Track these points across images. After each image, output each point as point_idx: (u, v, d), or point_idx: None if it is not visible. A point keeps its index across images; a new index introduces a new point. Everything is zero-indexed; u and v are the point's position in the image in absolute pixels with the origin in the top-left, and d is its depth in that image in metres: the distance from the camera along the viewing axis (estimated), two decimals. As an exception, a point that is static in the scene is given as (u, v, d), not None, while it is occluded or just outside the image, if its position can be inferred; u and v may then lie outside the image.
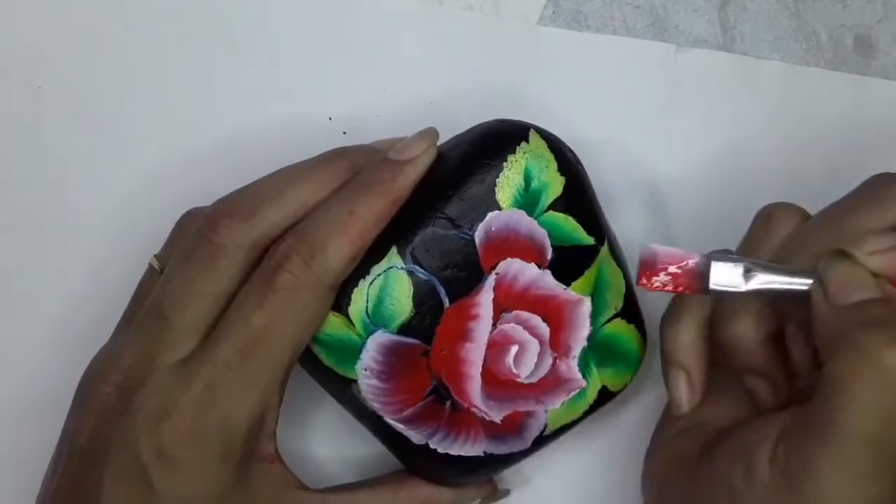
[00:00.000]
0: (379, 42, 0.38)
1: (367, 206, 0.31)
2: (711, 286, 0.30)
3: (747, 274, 0.30)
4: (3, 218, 0.37)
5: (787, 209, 0.33)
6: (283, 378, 0.31)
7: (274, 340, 0.30)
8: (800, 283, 0.30)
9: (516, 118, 0.37)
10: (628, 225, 0.39)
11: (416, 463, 0.35)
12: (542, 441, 0.34)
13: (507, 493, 0.37)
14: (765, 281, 0.30)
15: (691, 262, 0.31)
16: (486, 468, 0.35)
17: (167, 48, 0.38)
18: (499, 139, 0.33)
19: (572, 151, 0.34)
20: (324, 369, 0.32)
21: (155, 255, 0.33)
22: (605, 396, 0.35)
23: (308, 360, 0.32)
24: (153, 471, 0.29)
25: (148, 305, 0.31)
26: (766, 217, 0.33)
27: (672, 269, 0.31)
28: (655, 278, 0.31)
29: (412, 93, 0.38)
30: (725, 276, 0.30)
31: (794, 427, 0.29)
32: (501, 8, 0.38)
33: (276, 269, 0.30)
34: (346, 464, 0.38)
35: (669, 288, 0.31)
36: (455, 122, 0.38)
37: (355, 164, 0.32)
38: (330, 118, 0.38)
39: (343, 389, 0.32)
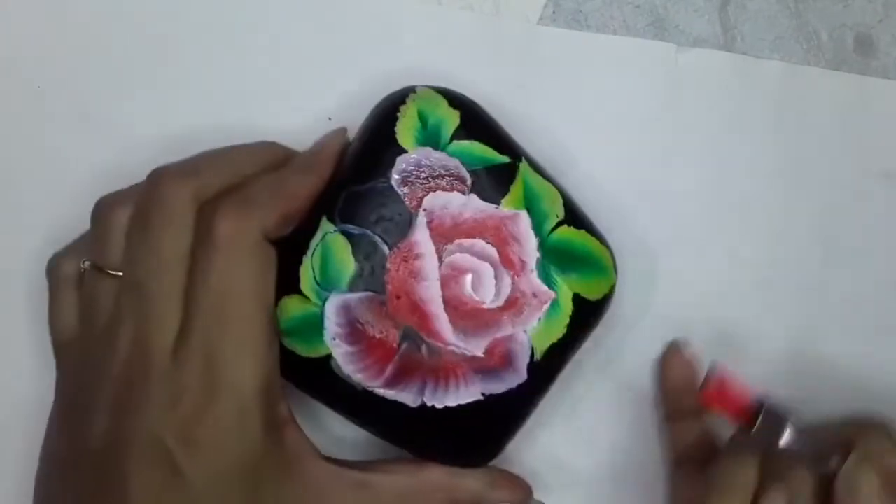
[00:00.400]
0: (379, 42, 0.38)
1: (294, 175, 0.33)
2: (754, 432, 0.34)
3: (789, 434, 0.34)
4: (2, 218, 0.37)
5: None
6: (267, 332, 0.32)
7: (238, 297, 0.31)
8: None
9: (517, 119, 0.37)
10: (628, 224, 0.39)
11: (426, 440, 0.34)
12: (537, 370, 0.34)
13: None
14: (801, 447, 0.34)
15: (747, 400, 0.35)
16: (496, 419, 0.34)
17: (167, 48, 0.38)
18: (390, 101, 0.35)
19: (460, 93, 0.35)
20: (305, 367, 0.33)
21: (73, 255, 0.33)
22: (584, 307, 0.34)
23: (290, 369, 0.33)
24: (179, 457, 0.30)
25: (122, 287, 0.31)
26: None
27: (730, 396, 0.35)
28: (714, 400, 0.35)
29: (412, 93, 0.38)
30: (770, 428, 0.34)
31: None
32: (501, 8, 0.38)
33: (212, 227, 0.31)
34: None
35: (723, 414, 0.35)
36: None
37: (289, 156, 0.34)
38: (330, 118, 0.38)
39: (327, 377, 0.33)
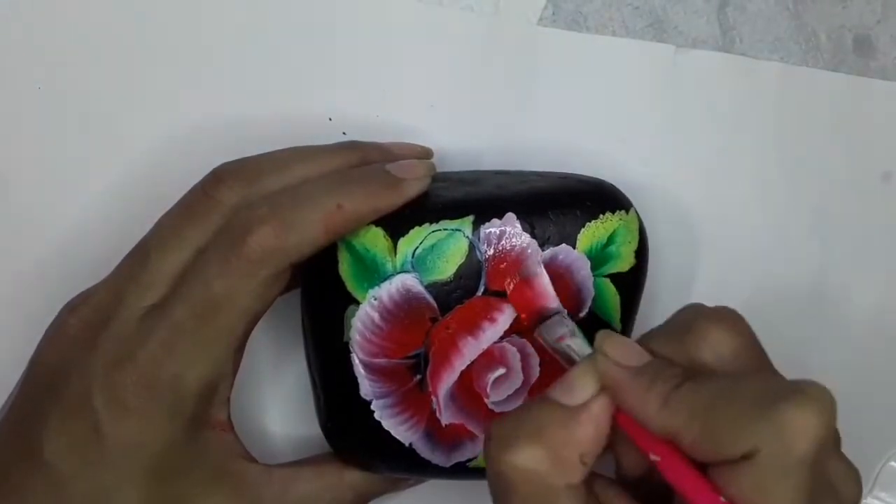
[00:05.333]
0: (379, 42, 0.38)
1: (355, 206, 0.31)
2: (535, 331, 0.32)
3: (564, 339, 0.31)
4: (2, 218, 0.37)
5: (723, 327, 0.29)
6: (237, 346, 0.32)
7: (230, 309, 0.31)
8: None
9: (516, 119, 0.37)
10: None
11: (343, 429, 0.34)
12: (461, 471, 0.34)
13: None
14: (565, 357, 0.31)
15: (547, 303, 0.32)
16: (401, 464, 0.34)
17: (167, 49, 0.38)
18: (608, 196, 0.34)
19: (648, 246, 0.35)
20: (333, 279, 0.32)
21: None
22: None
23: (319, 265, 0.32)
24: (102, 415, 0.30)
25: (136, 245, 0.32)
26: (699, 327, 0.29)
27: (530, 295, 0.32)
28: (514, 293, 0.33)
29: (412, 93, 0.38)
30: (549, 330, 0.32)
31: None
32: (501, 8, 0.38)
33: (245, 235, 0.30)
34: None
35: (515, 305, 0.33)
36: (455, 122, 0.38)
37: (366, 160, 0.33)
38: (330, 118, 0.38)
39: (334, 308, 0.32)
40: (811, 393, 0.26)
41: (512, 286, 0.32)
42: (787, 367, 0.40)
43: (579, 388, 0.28)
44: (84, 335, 0.31)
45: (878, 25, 0.40)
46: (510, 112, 0.38)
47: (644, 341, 0.29)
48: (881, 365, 0.40)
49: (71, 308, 0.32)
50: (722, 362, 0.28)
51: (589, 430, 0.27)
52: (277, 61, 0.38)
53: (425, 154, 0.36)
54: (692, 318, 0.29)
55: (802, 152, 0.40)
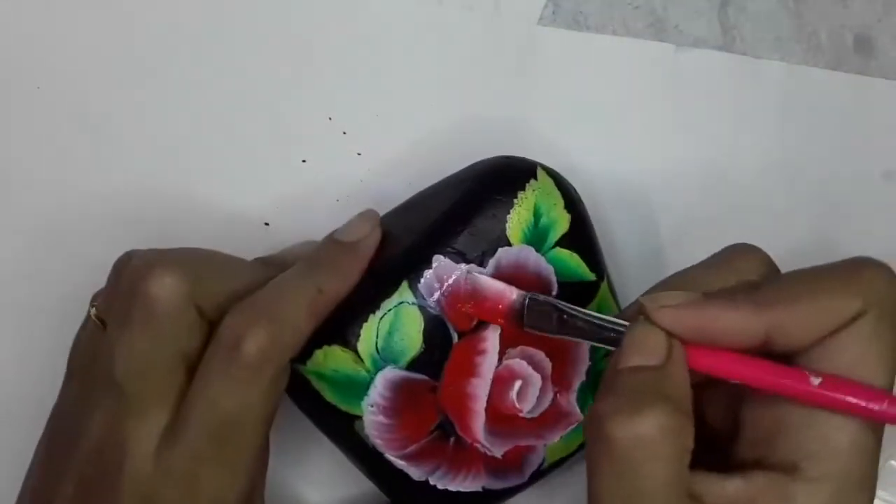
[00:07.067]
0: (378, 42, 0.38)
1: (331, 284, 0.31)
2: (525, 326, 0.31)
3: (561, 318, 0.30)
4: (2, 218, 0.37)
5: (755, 255, 0.31)
6: (261, 454, 0.30)
7: (246, 423, 0.29)
8: (614, 335, 0.29)
9: (517, 119, 0.37)
10: (627, 226, 0.39)
11: (413, 501, 0.34)
12: (538, 475, 0.34)
13: None
14: (577, 329, 0.30)
15: (508, 299, 0.31)
16: (482, 503, 0.34)
17: (167, 49, 0.38)
18: (508, 176, 0.33)
19: (574, 188, 0.34)
20: (325, 406, 0.32)
21: (93, 303, 0.31)
22: None
23: (305, 397, 0.32)
24: None
25: (101, 373, 0.29)
26: (729, 258, 0.31)
27: (490, 302, 0.31)
28: (474, 310, 0.32)
29: (411, 93, 0.38)
30: (539, 318, 0.31)
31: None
32: (501, 8, 0.38)
33: (240, 342, 0.28)
34: None
35: (489, 319, 0.32)
36: (454, 122, 0.38)
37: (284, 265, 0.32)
38: (330, 118, 0.38)
39: (344, 427, 0.32)
40: (873, 259, 0.28)
41: (470, 312, 0.32)
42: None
43: (653, 345, 0.28)
44: (96, 483, 0.29)
45: (879, 24, 0.40)
46: (510, 111, 0.38)
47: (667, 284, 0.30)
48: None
49: (76, 446, 0.29)
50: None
51: (684, 381, 0.28)
52: (278, 62, 0.38)
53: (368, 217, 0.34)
54: (717, 254, 0.30)
55: (803, 151, 0.40)
